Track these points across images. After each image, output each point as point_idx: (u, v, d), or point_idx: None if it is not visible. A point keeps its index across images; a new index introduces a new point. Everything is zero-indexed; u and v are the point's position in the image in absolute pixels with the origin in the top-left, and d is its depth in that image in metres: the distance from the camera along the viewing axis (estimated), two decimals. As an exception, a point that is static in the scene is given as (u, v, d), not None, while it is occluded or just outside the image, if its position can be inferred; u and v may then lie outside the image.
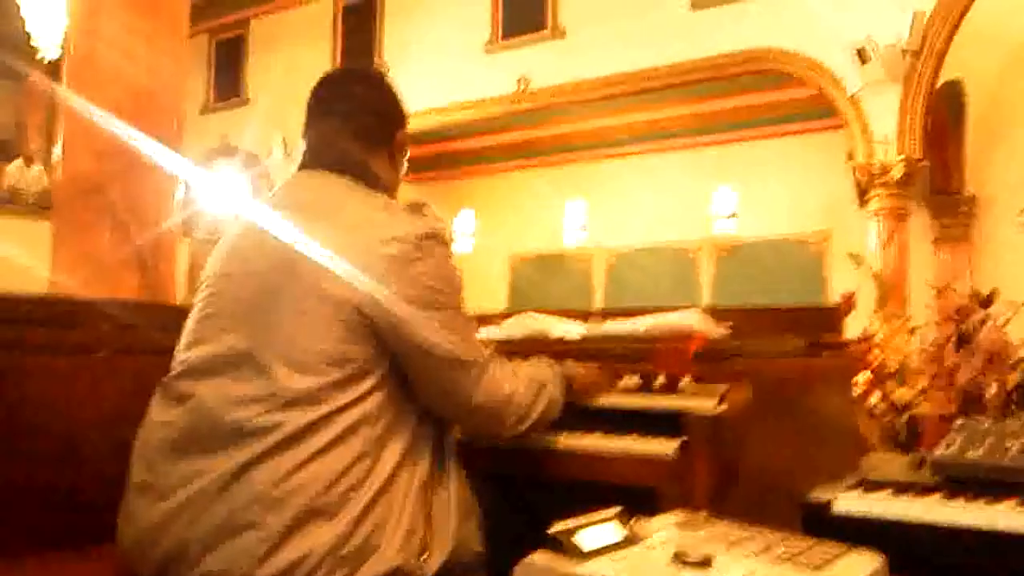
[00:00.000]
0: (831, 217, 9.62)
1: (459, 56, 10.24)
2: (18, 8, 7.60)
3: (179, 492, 1.39)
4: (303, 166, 1.64)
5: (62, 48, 3.86)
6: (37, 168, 11.40)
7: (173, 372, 1.53)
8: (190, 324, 1.56)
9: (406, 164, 1.75)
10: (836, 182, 8.98)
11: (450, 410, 1.55)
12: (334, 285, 1.41)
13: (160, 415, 1.49)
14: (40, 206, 10.48)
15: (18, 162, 11.37)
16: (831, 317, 2.30)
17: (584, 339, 2.16)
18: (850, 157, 8.07)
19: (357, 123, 1.64)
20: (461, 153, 11.82)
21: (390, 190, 1.64)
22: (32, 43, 7.57)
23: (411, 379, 1.49)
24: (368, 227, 1.47)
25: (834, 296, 8.28)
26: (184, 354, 1.53)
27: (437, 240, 1.50)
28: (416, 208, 1.56)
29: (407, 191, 1.67)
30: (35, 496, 1.80)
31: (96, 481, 1.80)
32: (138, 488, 1.47)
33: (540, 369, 1.74)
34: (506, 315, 2.43)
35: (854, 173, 8.03)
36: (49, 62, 7.15)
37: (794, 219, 9.99)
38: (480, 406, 1.54)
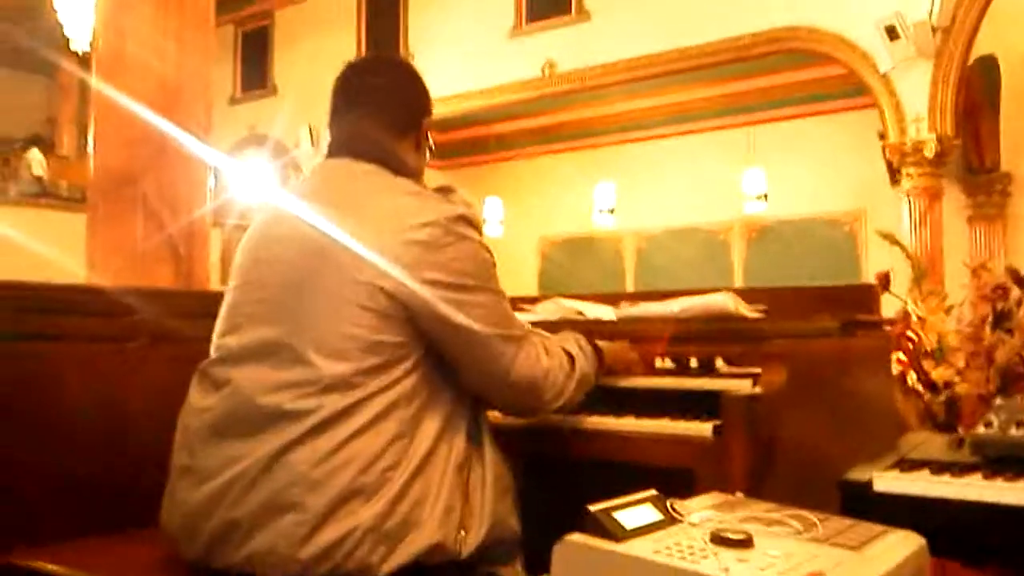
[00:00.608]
0: (864, 197, 9.53)
1: (484, 42, 10.21)
2: (51, 3, 7.69)
3: (221, 475, 1.41)
4: (330, 155, 1.65)
5: (91, 43, 3.89)
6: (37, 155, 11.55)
7: (211, 358, 1.55)
8: (225, 310, 1.57)
9: (430, 150, 1.76)
10: (868, 161, 8.88)
11: (489, 388, 1.56)
12: (366, 272, 1.42)
13: (199, 401, 1.51)
14: (74, 199, 10.61)
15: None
16: (866, 296, 2.28)
17: (618, 321, 2.15)
18: (882, 136, 7.97)
19: (384, 112, 1.64)
20: (488, 138, 11.81)
21: (417, 176, 1.64)
22: (65, 37, 7.66)
23: (449, 360, 1.50)
24: (398, 214, 1.47)
25: (869, 276, 8.20)
26: (220, 340, 1.55)
27: (467, 222, 1.50)
28: (444, 192, 1.57)
29: (435, 177, 1.67)
30: (77, 482, 1.83)
31: (136, 466, 1.83)
32: (181, 472, 1.50)
33: (570, 344, 1.74)
34: (536, 300, 2.43)
35: (885, 152, 7.93)
36: (81, 55, 7.23)
37: (826, 199, 9.90)
38: (518, 383, 1.55)
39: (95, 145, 3.53)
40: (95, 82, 3.64)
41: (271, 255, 1.53)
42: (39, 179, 11.49)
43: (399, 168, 1.59)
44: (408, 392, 1.43)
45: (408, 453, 1.40)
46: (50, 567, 1.53)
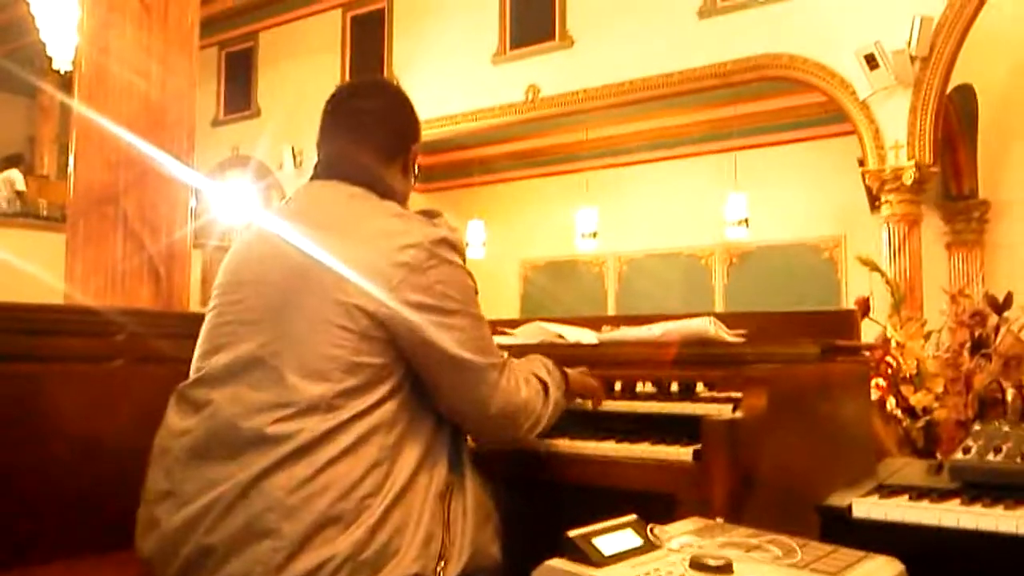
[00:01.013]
0: (844, 222, 9.61)
1: (468, 66, 10.26)
2: (34, 22, 7.67)
3: (199, 499, 1.40)
4: (317, 176, 1.65)
5: (73, 63, 3.88)
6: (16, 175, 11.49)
7: (189, 379, 1.53)
8: (205, 331, 1.56)
9: (415, 175, 1.76)
10: (848, 187, 8.97)
11: (467, 415, 1.54)
12: (348, 293, 1.41)
13: (177, 423, 1.50)
14: (54, 218, 10.54)
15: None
16: (846, 321, 2.29)
17: (599, 344, 2.16)
18: (861, 163, 8.05)
19: (373, 136, 1.65)
20: (471, 162, 11.85)
21: (403, 200, 1.64)
22: (48, 57, 7.64)
23: (428, 386, 1.50)
24: (382, 236, 1.47)
25: (849, 302, 8.25)
26: (200, 362, 1.53)
27: (450, 246, 1.50)
28: (429, 215, 1.57)
29: (418, 201, 1.68)
30: (54, 503, 1.81)
31: (114, 487, 1.80)
32: (159, 495, 1.47)
33: (539, 369, 1.72)
34: (518, 323, 2.43)
35: (865, 179, 8.01)
36: (64, 75, 7.22)
37: (807, 225, 9.98)
38: (497, 411, 1.54)
39: (76, 164, 3.51)
40: (77, 102, 3.63)
41: (254, 276, 1.53)
42: (20, 197, 11.41)
43: (385, 192, 1.59)
44: (389, 418, 1.42)
45: (388, 481, 1.39)
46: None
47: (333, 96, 1.70)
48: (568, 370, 1.83)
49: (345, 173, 1.60)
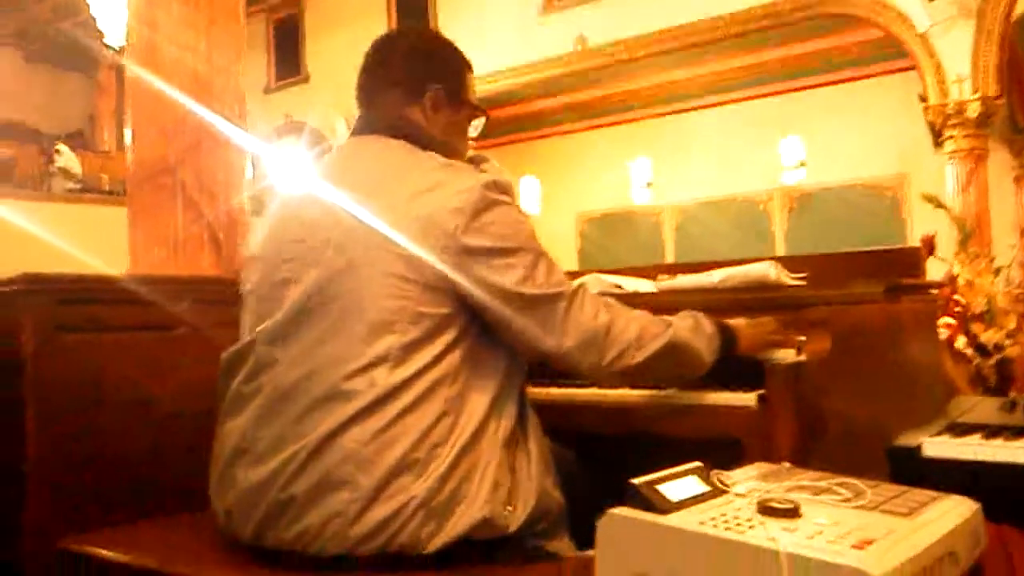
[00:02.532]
0: (907, 161, 9.37)
1: (514, 20, 10.16)
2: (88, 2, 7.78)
3: (274, 455, 1.42)
4: (356, 133, 1.64)
5: (125, 38, 3.93)
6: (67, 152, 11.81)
7: (248, 339, 1.54)
8: (257, 293, 1.56)
9: (478, 123, 1.72)
10: (910, 125, 8.71)
11: (544, 349, 1.50)
12: (406, 245, 1.42)
13: (248, 383, 1.51)
14: (115, 192, 10.78)
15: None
16: (911, 259, 2.24)
17: (657, 293, 2.13)
18: (923, 99, 7.81)
19: (392, 72, 1.64)
20: (522, 117, 11.76)
21: (446, 148, 1.60)
22: (101, 34, 7.76)
23: (498, 329, 1.48)
24: (432, 187, 1.46)
25: (914, 242, 8.07)
26: (257, 321, 1.53)
27: (500, 188, 1.49)
28: (475, 162, 1.56)
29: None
30: (123, 470, 1.86)
31: (179, 452, 1.86)
32: (233, 454, 1.50)
33: (681, 318, 1.64)
34: (575, 276, 2.41)
35: (927, 115, 7.77)
36: (117, 51, 7.33)
37: (868, 165, 9.75)
38: (575, 340, 1.49)
39: (133, 138, 3.57)
40: (130, 76, 3.68)
41: (306, 235, 1.51)
42: (77, 178, 11.73)
43: (426, 142, 1.58)
44: (454, 369, 1.43)
45: (456, 429, 1.40)
46: (101, 552, 1.55)
47: (368, 51, 1.69)
48: (739, 323, 1.74)
49: (384, 127, 1.60)
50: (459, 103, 1.68)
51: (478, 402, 1.45)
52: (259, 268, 1.58)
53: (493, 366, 1.49)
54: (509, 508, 1.43)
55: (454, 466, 1.38)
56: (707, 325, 1.67)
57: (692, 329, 1.63)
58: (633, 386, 1.81)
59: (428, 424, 1.38)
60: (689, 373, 1.66)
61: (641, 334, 1.54)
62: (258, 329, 1.52)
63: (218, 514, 1.53)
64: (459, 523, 1.37)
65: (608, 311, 1.54)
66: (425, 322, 1.41)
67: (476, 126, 1.74)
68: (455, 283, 1.43)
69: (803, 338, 1.73)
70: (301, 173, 1.65)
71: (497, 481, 1.42)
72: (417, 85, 1.64)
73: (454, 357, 1.43)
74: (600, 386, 1.84)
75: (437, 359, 1.41)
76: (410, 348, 1.40)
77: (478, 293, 1.44)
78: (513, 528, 1.43)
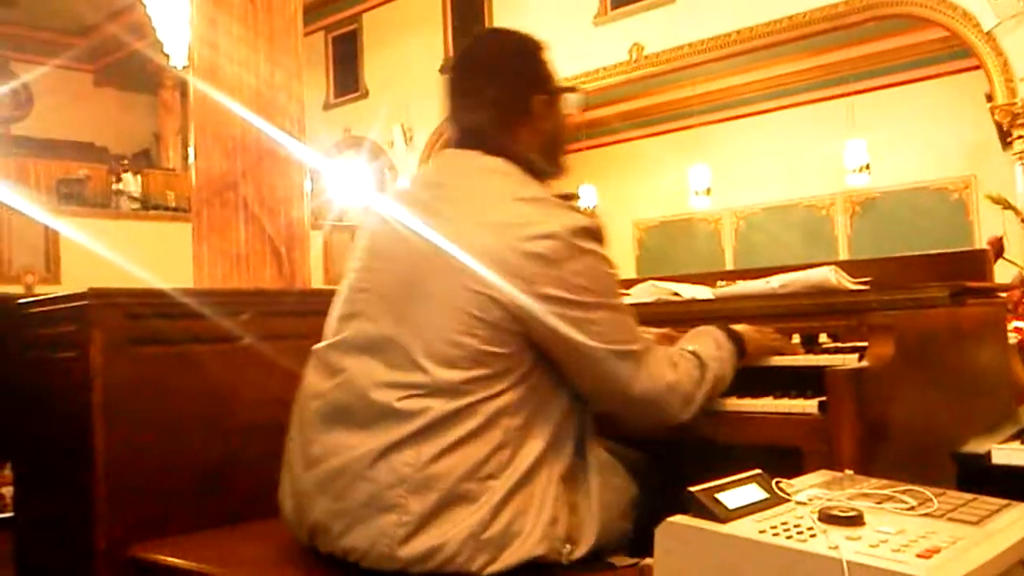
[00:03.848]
0: (974, 162, 9.16)
1: (569, 29, 10.15)
2: (151, 23, 7.99)
3: (327, 462, 1.43)
4: (453, 143, 1.58)
5: (187, 59, 4.04)
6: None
7: (326, 342, 1.54)
8: (345, 293, 1.56)
9: (574, 99, 1.66)
10: (977, 125, 8.52)
11: (610, 405, 1.51)
12: (481, 282, 1.38)
13: (315, 384, 1.52)
14: (181, 209, 11.06)
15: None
16: (977, 262, 2.18)
17: (715, 300, 2.11)
18: (989, 98, 7.62)
19: (487, 90, 1.55)
20: (579, 126, 11.75)
21: (540, 170, 1.55)
22: (166, 55, 7.96)
23: (568, 376, 1.47)
24: (519, 222, 1.41)
25: (981, 244, 7.87)
26: (338, 324, 1.53)
27: (590, 235, 1.44)
28: (568, 199, 1.51)
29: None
30: (192, 479, 1.90)
31: (243, 462, 1.89)
32: (294, 453, 1.53)
33: (705, 344, 1.65)
34: (632, 283, 2.40)
35: (994, 114, 7.58)
36: (181, 70, 7.52)
37: (933, 167, 9.55)
38: (640, 399, 1.49)
39: (196, 156, 3.67)
40: (193, 96, 3.78)
41: (388, 251, 1.52)
42: (136, 197, 12.30)
43: (523, 163, 1.52)
44: (516, 402, 1.40)
45: (511, 463, 1.38)
46: (172, 560, 1.59)
47: (457, 56, 1.64)
48: (745, 329, 1.76)
49: (477, 142, 1.53)
50: (557, 96, 1.62)
51: (537, 437, 1.42)
52: (357, 264, 1.57)
53: (556, 404, 1.47)
54: (568, 546, 1.41)
55: (508, 499, 1.36)
56: (725, 344, 1.68)
57: (720, 357, 1.64)
58: None
59: (485, 455, 1.36)
60: (718, 395, 1.67)
61: (694, 387, 1.56)
62: (337, 336, 1.52)
63: (283, 510, 1.55)
64: (512, 557, 1.35)
65: (673, 370, 1.53)
66: (490, 360, 1.39)
67: (571, 103, 1.66)
68: (526, 326, 1.40)
69: (865, 344, 1.70)
70: (393, 187, 1.65)
71: (554, 517, 1.40)
72: (512, 104, 1.56)
73: (515, 393, 1.41)
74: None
75: (498, 394, 1.39)
76: (473, 383, 1.38)
77: (549, 342, 1.42)
78: (572, 561, 1.42)
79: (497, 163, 1.50)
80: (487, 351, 1.38)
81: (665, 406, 1.52)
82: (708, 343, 1.66)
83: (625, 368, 1.46)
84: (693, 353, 1.61)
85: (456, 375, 1.37)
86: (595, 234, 1.45)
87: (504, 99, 1.56)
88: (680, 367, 1.55)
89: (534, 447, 1.41)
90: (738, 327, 1.77)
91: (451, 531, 1.34)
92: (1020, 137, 7.39)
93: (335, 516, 1.41)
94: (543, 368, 1.45)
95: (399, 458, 1.36)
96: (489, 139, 1.52)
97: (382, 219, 1.57)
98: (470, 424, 1.37)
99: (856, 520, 1.10)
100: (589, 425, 1.56)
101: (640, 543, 1.49)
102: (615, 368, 1.45)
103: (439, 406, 1.37)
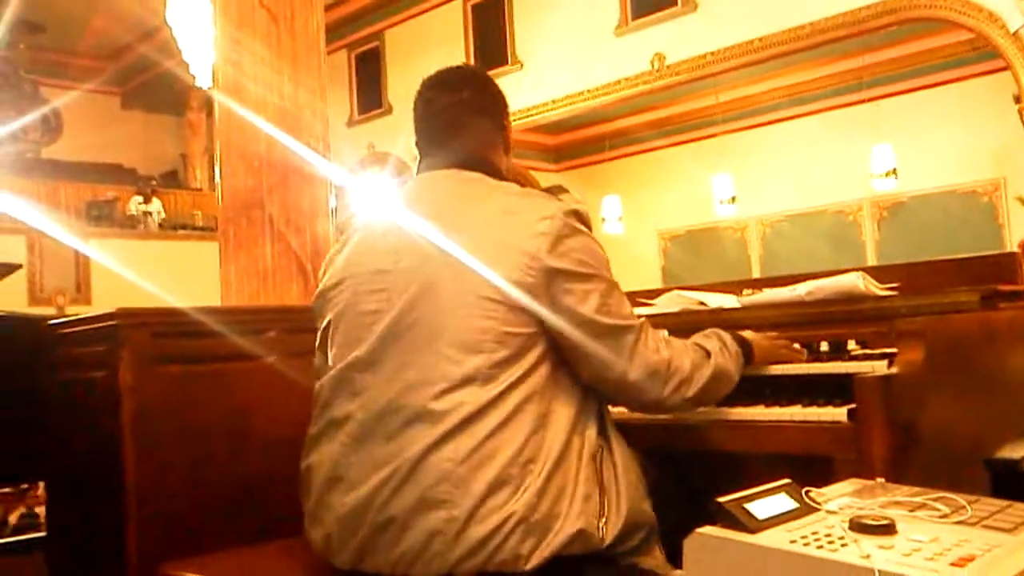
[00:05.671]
0: (1002, 164, 9.06)
1: (590, 41, 10.15)
2: (176, 45, 8.09)
3: (368, 481, 1.45)
4: (433, 167, 1.69)
5: (211, 80, 4.09)
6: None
7: (341, 366, 1.56)
8: (344, 321, 1.59)
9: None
10: (1005, 127, 8.41)
11: (607, 379, 1.55)
12: (492, 268, 1.45)
13: (337, 409, 1.54)
14: (208, 228, 11.18)
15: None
16: (1007, 266, 2.15)
17: (741, 308, 2.10)
18: (1017, 99, 7.54)
19: (472, 127, 1.70)
20: (602, 137, 11.79)
21: (512, 181, 1.68)
22: (192, 76, 8.05)
23: (568, 354, 1.52)
24: (514, 212, 1.53)
25: (1012, 247, 7.78)
26: (344, 351, 1.56)
27: (579, 218, 1.54)
28: (554, 191, 1.62)
29: (552, 180, 1.69)
30: (218, 497, 1.92)
31: (271, 479, 1.90)
32: (328, 482, 1.53)
33: (710, 341, 1.72)
34: (657, 293, 2.40)
35: (1022, 116, 7.50)
36: (207, 92, 7.61)
37: (961, 170, 9.46)
38: (637, 371, 1.55)
39: (222, 175, 3.70)
40: (218, 115, 3.82)
41: (390, 264, 1.54)
42: (161, 218, 12.58)
43: (499, 176, 1.66)
44: (540, 386, 1.46)
45: (545, 446, 1.43)
46: (198, 578, 1.59)
47: (421, 94, 1.76)
48: (752, 336, 1.82)
49: (457, 161, 1.65)
50: (509, 140, 1.78)
51: (563, 417, 1.48)
52: (344, 297, 1.60)
53: (575, 383, 1.53)
54: (603, 520, 1.45)
55: (548, 481, 1.41)
56: (731, 344, 1.74)
57: (724, 352, 1.70)
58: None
59: (521, 441, 1.41)
60: (725, 394, 1.72)
61: (692, 368, 1.62)
62: (349, 358, 1.54)
63: (315, 541, 1.56)
64: (556, 538, 1.39)
65: (668, 347, 1.60)
66: (511, 341, 1.45)
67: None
68: (537, 303, 1.47)
69: (895, 350, 1.68)
70: (381, 202, 1.69)
71: (588, 494, 1.45)
72: (492, 135, 1.73)
73: (540, 375, 1.47)
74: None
75: (524, 376, 1.45)
76: (498, 367, 1.43)
77: (555, 316, 1.48)
78: (608, 541, 1.45)
79: (475, 175, 1.63)
80: (508, 332, 1.45)
81: (661, 383, 1.58)
82: (712, 340, 1.73)
83: (622, 342, 1.53)
84: (696, 344, 1.69)
85: (482, 360, 1.43)
86: (584, 218, 1.56)
87: (487, 130, 1.72)
88: (674, 346, 1.62)
89: (561, 429, 1.46)
90: (745, 333, 1.83)
91: (501, 518, 1.37)
92: (1050, 138, 7.31)
93: (384, 527, 1.43)
94: (558, 352, 1.51)
95: (439, 455, 1.40)
96: (473, 160, 1.66)
97: (374, 235, 1.64)
98: (502, 413, 1.41)
99: (888, 529, 1.09)
100: (606, 408, 1.62)
101: (666, 552, 1.53)
102: (613, 341, 1.52)
103: (472, 398, 1.41)
